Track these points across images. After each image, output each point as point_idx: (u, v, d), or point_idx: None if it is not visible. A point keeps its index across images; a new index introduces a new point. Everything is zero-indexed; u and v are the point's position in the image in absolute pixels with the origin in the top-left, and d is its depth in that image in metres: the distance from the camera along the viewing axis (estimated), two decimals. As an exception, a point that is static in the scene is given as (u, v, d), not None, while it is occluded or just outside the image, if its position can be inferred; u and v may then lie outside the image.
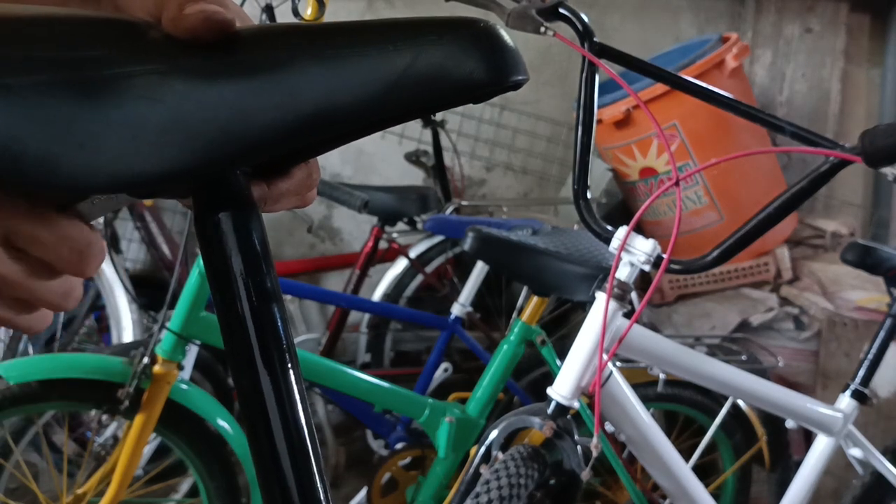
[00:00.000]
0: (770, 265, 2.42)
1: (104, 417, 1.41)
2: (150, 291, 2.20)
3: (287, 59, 0.31)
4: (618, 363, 1.46)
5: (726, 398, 1.58)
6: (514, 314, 1.85)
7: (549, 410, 1.14)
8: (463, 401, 1.67)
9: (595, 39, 1.12)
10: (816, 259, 2.51)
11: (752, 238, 1.03)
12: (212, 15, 0.30)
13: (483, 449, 1.20)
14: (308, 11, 1.28)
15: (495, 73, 0.32)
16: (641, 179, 2.43)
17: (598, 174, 2.51)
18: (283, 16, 1.37)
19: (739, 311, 2.29)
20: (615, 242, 1.10)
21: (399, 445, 1.84)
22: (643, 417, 1.22)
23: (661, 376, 1.57)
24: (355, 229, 2.86)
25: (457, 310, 2.04)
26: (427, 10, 2.66)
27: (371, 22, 0.32)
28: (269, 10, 1.60)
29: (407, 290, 2.38)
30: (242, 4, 1.52)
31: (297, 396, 0.35)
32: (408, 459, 1.84)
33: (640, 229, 1.11)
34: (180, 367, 1.46)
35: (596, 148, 2.13)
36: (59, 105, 0.27)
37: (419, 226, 2.34)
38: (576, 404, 1.15)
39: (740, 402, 1.72)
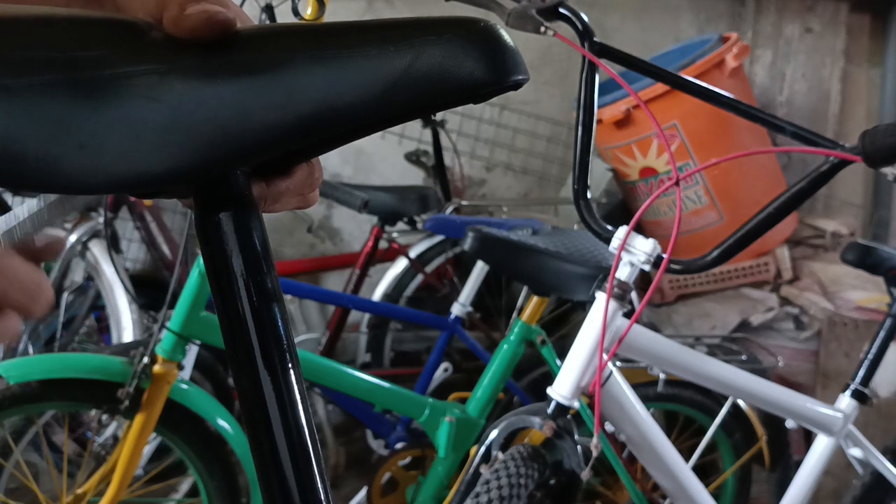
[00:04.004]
0: (770, 265, 2.42)
1: (104, 417, 1.41)
2: (150, 291, 2.20)
3: (287, 60, 0.31)
4: (618, 363, 1.46)
5: (726, 398, 1.58)
6: (514, 314, 1.85)
7: (549, 410, 1.14)
8: (463, 401, 1.67)
9: (595, 39, 1.12)
10: (816, 259, 2.51)
11: (752, 238, 1.03)
12: (213, 15, 0.30)
13: (483, 449, 1.20)
14: (308, 11, 1.28)
15: (495, 73, 0.32)
16: (641, 179, 2.43)
17: (598, 174, 2.51)
18: (283, 16, 1.37)
19: (739, 311, 2.29)
20: (615, 242, 1.10)
21: (399, 445, 1.84)
22: (643, 417, 1.22)
23: (661, 376, 1.57)
24: (355, 229, 2.86)
25: (457, 310, 2.04)
26: (427, 10, 2.65)
27: (371, 22, 0.32)
28: (269, 9, 1.61)
29: (407, 290, 2.38)
30: (242, 4, 1.52)
31: (298, 396, 0.35)
32: (408, 459, 1.84)
33: (640, 229, 1.11)
34: (180, 367, 1.46)
35: (596, 148, 2.13)
36: (58, 105, 0.27)
37: (419, 226, 2.34)
38: (576, 404, 1.15)
39: (740, 402, 1.72)
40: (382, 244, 2.29)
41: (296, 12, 1.25)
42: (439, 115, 2.46)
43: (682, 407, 1.72)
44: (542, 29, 1.08)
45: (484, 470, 1.16)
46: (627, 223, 1.10)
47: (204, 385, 1.88)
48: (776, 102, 2.88)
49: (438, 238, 2.35)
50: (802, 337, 2.22)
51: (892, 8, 2.86)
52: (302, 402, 0.35)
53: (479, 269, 2.04)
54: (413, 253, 2.34)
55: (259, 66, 0.31)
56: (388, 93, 0.31)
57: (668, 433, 1.40)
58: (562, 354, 1.23)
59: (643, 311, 1.80)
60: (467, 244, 1.52)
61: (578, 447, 1.14)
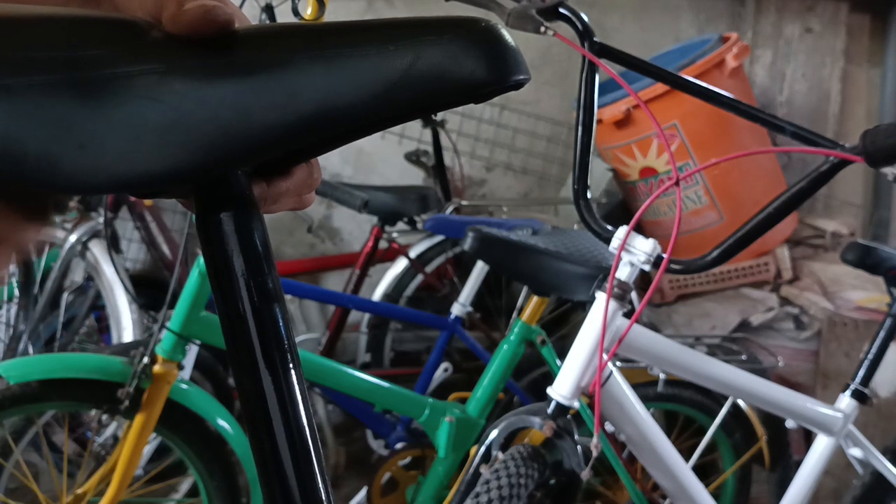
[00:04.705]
0: (770, 265, 2.42)
1: (104, 417, 1.41)
2: (150, 291, 2.20)
3: (287, 59, 0.31)
4: (618, 363, 1.46)
5: (726, 398, 1.58)
6: (514, 314, 1.85)
7: (549, 410, 1.14)
8: (463, 401, 1.67)
9: (595, 39, 1.12)
10: (816, 259, 2.51)
11: (752, 238, 1.03)
12: (211, 10, 0.30)
13: (483, 449, 1.20)
14: (308, 11, 1.28)
15: (496, 73, 0.32)
16: (641, 179, 2.43)
17: (598, 174, 2.51)
18: (283, 15, 1.37)
19: (739, 311, 2.29)
20: (615, 242, 1.10)
21: (399, 445, 1.84)
22: (643, 417, 1.22)
23: (661, 376, 1.57)
24: (355, 229, 2.86)
25: (457, 310, 2.04)
26: (427, 10, 2.66)
27: (371, 22, 0.32)
28: (268, 9, 1.61)
29: (407, 290, 2.38)
30: (242, 4, 1.52)
31: (299, 396, 0.35)
32: (408, 459, 1.84)
33: (640, 229, 1.11)
34: (180, 367, 1.46)
35: (596, 148, 2.13)
36: (59, 105, 0.27)
37: (419, 226, 2.34)
38: (576, 404, 1.15)
39: (740, 402, 1.72)
40: (382, 244, 2.29)
41: (296, 12, 1.25)
42: (439, 115, 2.46)
43: (682, 407, 1.72)
44: (542, 29, 1.08)
45: (484, 470, 1.16)
46: (627, 223, 1.10)
47: (204, 385, 1.88)
48: (776, 102, 2.88)
49: (438, 238, 2.35)
50: (802, 337, 2.22)
51: (892, 8, 2.86)
52: (303, 402, 0.35)
53: (479, 269, 2.04)
54: (413, 253, 2.34)
55: (259, 65, 0.31)
56: (389, 92, 0.31)
57: (668, 433, 1.40)
58: (562, 354, 1.23)
59: (643, 311, 1.80)
60: (467, 244, 1.52)
61: (578, 447, 1.14)
